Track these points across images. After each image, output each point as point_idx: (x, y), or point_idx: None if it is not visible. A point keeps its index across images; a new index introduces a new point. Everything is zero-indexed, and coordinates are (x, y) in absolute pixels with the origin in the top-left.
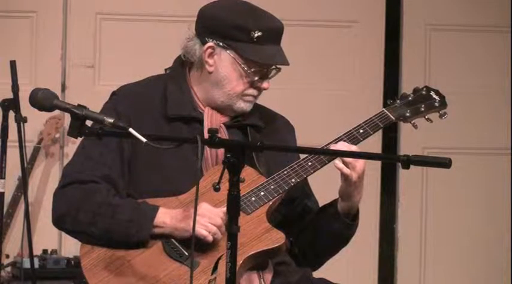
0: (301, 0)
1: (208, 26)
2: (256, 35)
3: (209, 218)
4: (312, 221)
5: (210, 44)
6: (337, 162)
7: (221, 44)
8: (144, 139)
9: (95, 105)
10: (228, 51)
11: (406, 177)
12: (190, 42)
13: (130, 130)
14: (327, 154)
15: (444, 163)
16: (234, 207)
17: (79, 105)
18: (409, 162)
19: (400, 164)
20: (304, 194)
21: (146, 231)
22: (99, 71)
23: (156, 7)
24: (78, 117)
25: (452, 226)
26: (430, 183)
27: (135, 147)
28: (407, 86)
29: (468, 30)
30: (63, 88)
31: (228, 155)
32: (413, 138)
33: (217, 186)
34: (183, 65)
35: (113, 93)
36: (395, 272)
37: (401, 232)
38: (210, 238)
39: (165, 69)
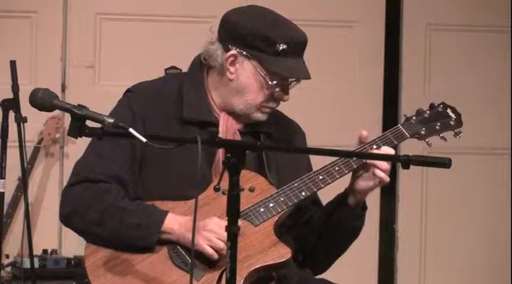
0: (302, 0)
1: (232, 33)
2: (281, 47)
3: (217, 234)
4: (320, 222)
5: (233, 52)
6: (378, 171)
7: (245, 53)
8: (144, 139)
9: (95, 105)
10: (251, 61)
11: (406, 177)
12: (212, 46)
13: (131, 130)
14: (325, 154)
15: (444, 163)
16: (234, 207)
17: (79, 105)
18: (409, 162)
19: (400, 164)
20: (313, 202)
21: (153, 236)
22: (99, 71)
23: (156, 7)
24: (78, 117)
25: (452, 226)
26: (430, 183)
27: (146, 148)
28: (407, 86)
29: (468, 30)
30: (63, 88)
31: (228, 155)
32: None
33: (217, 186)
34: (201, 66)
35: (128, 90)
36: (395, 273)
37: (401, 233)
38: (215, 256)
39: (165, 69)
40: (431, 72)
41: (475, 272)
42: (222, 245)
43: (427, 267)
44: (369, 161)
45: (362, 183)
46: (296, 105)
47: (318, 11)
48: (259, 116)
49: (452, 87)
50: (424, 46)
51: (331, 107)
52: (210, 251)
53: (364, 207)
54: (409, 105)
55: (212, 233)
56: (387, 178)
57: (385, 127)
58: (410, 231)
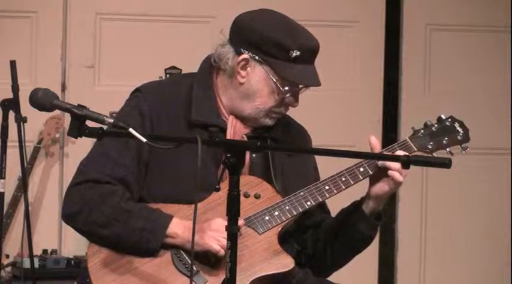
0: (302, 0)
1: (245, 38)
2: (294, 54)
3: (223, 232)
4: (332, 228)
5: (245, 56)
6: (390, 171)
7: (257, 57)
8: (144, 139)
9: (95, 105)
10: (263, 66)
11: (406, 177)
12: (223, 48)
13: (131, 130)
14: (324, 154)
15: (444, 163)
16: (234, 207)
17: (79, 105)
18: (409, 162)
19: (400, 163)
20: (319, 207)
21: (158, 241)
22: (99, 71)
23: (156, 7)
24: (78, 117)
25: (452, 226)
26: (430, 183)
27: (153, 150)
28: (407, 86)
29: (468, 30)
30: (63, 88)
31: (228, 155)
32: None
33: (217, 187)
34: (211, 68)
35: (137, 90)
36: (396, 273)
37: (401, 232)
38: (222, 252)
39: (165, 70)
40: (431, 72)
41: (475, 272)
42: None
43: (427, 267)
44: (380, 164)
45: (377, 189)
46: None
47: (318, 11)
48: (267, 121)
49: (452, 87)
50: (424, 46)
51: (331, 107)
52: (217, 247)
53: (378, 217)
54: (409, 105)
55: (217, 232)
56: (400, 178)
57: (385, 127)
58: (410, 231)
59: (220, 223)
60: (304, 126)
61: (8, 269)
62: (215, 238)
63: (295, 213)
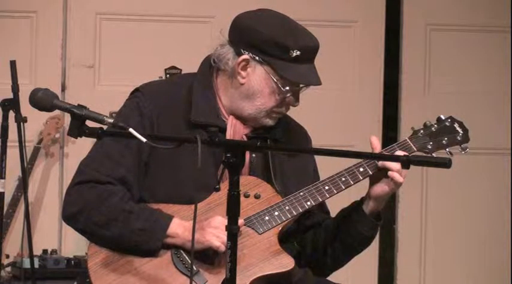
0: (302, 0)
1: (245, 38)
2: (294, 54)
3: (223, 229)
4: (332, 228)
5: (246, 56)
6: (390, 172)
7: (257, 58)
8: (144, 139)
9: (95, 105)
10: (263, 67)
11: (406, 177)
12: (222, 49)
13: (130, 130)
14: (324, 154)
15: (444, 163)
16: (234, 207)
17: (79, 105)
18: (409, 162)
19: (400, 164)
20: (319, 207)
21: (158, 241)
22: (99, 71)
23: (156, 7)
24: (78, 117)
25: (452, 226)
26: (430, 183)
27: (154, 149)
28: (407, 86)
29: (468, 30)
30: (63, 88)
31: (228, 155)
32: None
33: (217, 187)
34: (211, 68)
35: (136, 90)
36: (395, 273)
37: (401, 232)
38: (222, 248)
39: (165, 70)
40: (431, 72)
41: (475, 272)
42: None
43: (427, 267)
44: (380, 164)
45: (377, 189)
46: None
47: (318, 11)
48: (268, 121)
49: (452, 87)
50: (424, 46)
51: (331, 107)
52: (218, 243)
53: (378, 217)
54: (409, 105)
55: (217, 229)
56: (400, 178)
57: (385, 127)
58: (410, 231)
59: (220, 221)
60: (304, 126)
61: (8, 269)
62: (215, 234)
63: (295, 213)
